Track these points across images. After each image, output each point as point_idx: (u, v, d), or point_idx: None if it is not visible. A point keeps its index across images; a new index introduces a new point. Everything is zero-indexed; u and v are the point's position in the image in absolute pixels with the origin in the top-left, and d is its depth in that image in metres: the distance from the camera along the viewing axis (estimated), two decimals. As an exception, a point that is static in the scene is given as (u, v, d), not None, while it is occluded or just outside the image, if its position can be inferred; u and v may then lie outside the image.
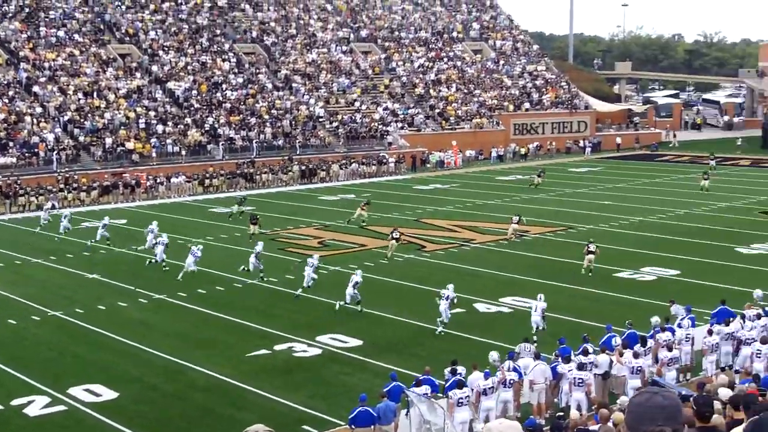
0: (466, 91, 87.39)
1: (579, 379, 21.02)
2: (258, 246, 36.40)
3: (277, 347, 26.80)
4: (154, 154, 65.54)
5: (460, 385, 19.90)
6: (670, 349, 22.78)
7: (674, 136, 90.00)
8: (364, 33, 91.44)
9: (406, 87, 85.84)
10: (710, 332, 23.93)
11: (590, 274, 35.34)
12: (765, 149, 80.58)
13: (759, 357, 22.81)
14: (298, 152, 70.56)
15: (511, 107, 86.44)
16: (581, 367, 21.24)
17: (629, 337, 23.51)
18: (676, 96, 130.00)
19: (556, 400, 21.86)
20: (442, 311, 28.28)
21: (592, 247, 36.11)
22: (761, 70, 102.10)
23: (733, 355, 24.10)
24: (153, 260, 38.57)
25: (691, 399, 17.22)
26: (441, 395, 20.48)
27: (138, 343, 27.39)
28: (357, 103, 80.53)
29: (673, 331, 23.99)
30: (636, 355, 22.09)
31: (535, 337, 26.24)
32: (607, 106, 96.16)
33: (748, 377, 20.42)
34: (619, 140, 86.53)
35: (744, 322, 24.56)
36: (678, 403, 3.15)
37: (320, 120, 76.61)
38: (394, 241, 39.51)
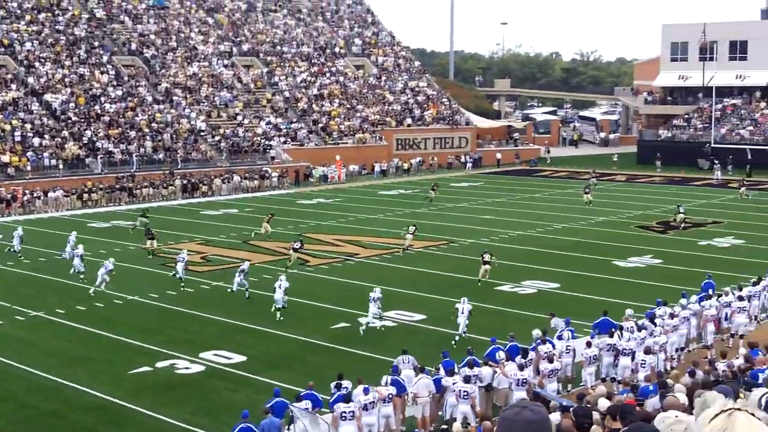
0: (348, 106, 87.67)
1: (464, 391, 21.15)
2: (244, 264, 35.65)
3: (159, 364, 26.32)
4: (30, 168, 63.90)
5: (347, 399, 19.83)
6: (551, 361, 23.13)
7: (548, 151, 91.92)
8: (245, 47, 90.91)
9: (288, 101, 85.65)
10: (589, 344, 24.38)
11: (479, 284, 35.98)
12: (640, 165, 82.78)
13: (643, 367, 23.41)
14: (179, 166, 69.66)
15: (394, 123, 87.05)
16: (467, 379, 21.38)
17: (511, 350, 23.80)
18: (554, 113, 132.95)
19: (440, 413, 21.95)
20: (371, 313, 29.72)
21: (486, 257, 36.92)
22: (636, 88, 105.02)
23: (614, 366, 24.61)
24: (80, 275, 37.69)
25: (571, 410, 17.56)
26: (326, 410, 20.40)
27: (14, 361, 26.58)
28: (239, 117, 80.00)
29: (553, 344, 24.36)
30: (521, 367, 22.38)
31: (457, 337, 27.89)
32: (487, 123, 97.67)
33: (627, 387, 20.88)
34: (499, 156, 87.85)
35: (622, 333, 25.10)
36: (546, 417, 3.15)
37: (202, 134, 75.83)
38: (293, 251, 40.35)
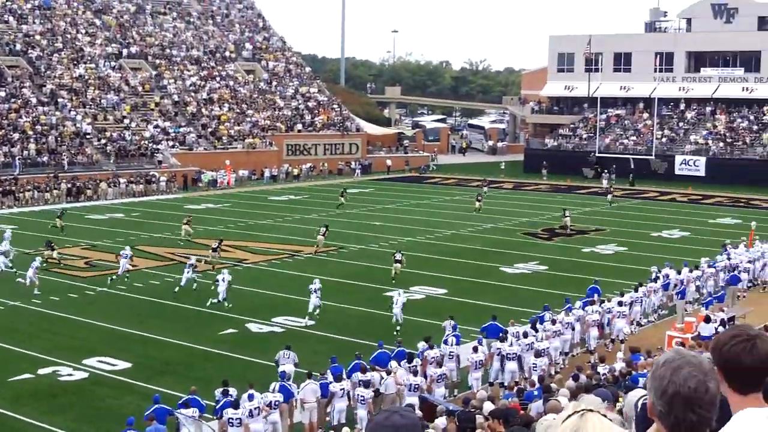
0: (238, 110, 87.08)
1: (361, 396, 21.24)
2: (226, 275, 34.81)
3: (42, 371, 25.73)
4: None
5: (235, 405, 19.72)
6: (439, 365, 23.36)
7: (432, 159, 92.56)
8: (134, 49, 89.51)
9: (177, 105, 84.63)
10: (475, 349, 24.68)
11: (393, 281, 36.98)
12: (526, 173, 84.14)
13: (535, 370, 23.93)
14: (64, 169, 68.21)
15: (284, 128, 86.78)
16: (367, 384, 21.50)
17: (398, 355, 23.96)
18: (443, 121, 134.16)
19: (328, 418, 21.96)
20: (311, 303, 31.40)
21: (398, 256, 38.52)
22: (523, 97, 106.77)
23: (501, 371, 24.97)
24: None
25: (455, 415, 17.77)
26: (209, 416, 20.28)
27: None
28: (126, 121, 78.72)
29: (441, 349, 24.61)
30: (416, 373, 22.58)
31: (399, 328, 29.64)
32: (377, 129, 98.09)
33: (512, 391, 21.21)
34: (389, 162, 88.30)
35: (506, 338, 25.48)
36: (416, 422, 3.20)
37: (88, 137, 74.40)
38: (212, 251, 40.86)
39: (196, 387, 21.55)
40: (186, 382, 23.89)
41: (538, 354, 24.58)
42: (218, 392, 21.00)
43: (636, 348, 24.45)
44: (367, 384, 21.51)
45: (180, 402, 20.50)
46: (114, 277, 38.03)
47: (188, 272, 36.06)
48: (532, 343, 25.28)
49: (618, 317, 29.07)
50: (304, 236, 49.00)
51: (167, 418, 19.75)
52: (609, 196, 65.02)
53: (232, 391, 20.93)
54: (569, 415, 2.85)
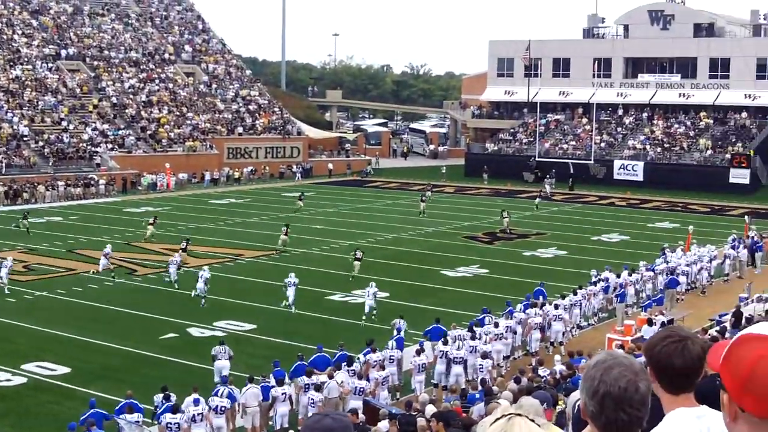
0: (178, 113, 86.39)
1: (312, 399, 21.20)
2: (206, 272, 35.41)
3: (-22, 377, 25.31)
4: None
5: (175, 409, 19.55)
6: (382, 369, 23.36)
7: (369, 163, 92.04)
8: (71, 51, 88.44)
9: (116, 107, 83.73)
10: (418, 352, 24.75)
11: (351, 279, 38.75)
12: (468, 177, 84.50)
13: (481, 371, 24.16)
14: (2, 172, 67.15)
15: (225, 131, 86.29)
16: (318, 388, 21.49)
17: (340, 359, 23.94)
18: (385, 125, 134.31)
19: (271, 422, 21.86)
20: (289, 295, 33.55)
21: (358, 254, 40.33)
22: (464, 102, 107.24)
23: (446, 374, 25.05)
24: None
25: (396, 418, 17.80)
26: (147, 420, 20.14)
27: None
28: (64, 123, 77.70)
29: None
30: (360, 377, 22.57)
31: (372, 317, 31.74)
32: (319, 133, 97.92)
33: (455, 394, 21.27)
34: (331, 166, 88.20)
35: (447, 341, 25.58)
36: (348, 425, 3.19)
37: (25, 139, 73.33)
38: (181, 251, 41.37)
39: (133, 392, 21.32)
40: (126, 387, 23.56)
41: (485, 356, 24.74)
42: (158, 397, 20.80)
43: (579, 351, 24.66)
44: (318, 388, 21.48)
45: (118, 407, 20.29)
46: (93, 272, 39.49)
47: (174, 269, 38.07)
48: (476, 346, 25.39)
49: (555, 320, 29.28)
50: (245, 240, 48.77)
51: (105, 423, 19.57)
52: (537, 200, 65.66)
53: (172, 395, 20.77)
54: (497, 419, 2.86)
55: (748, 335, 2.76)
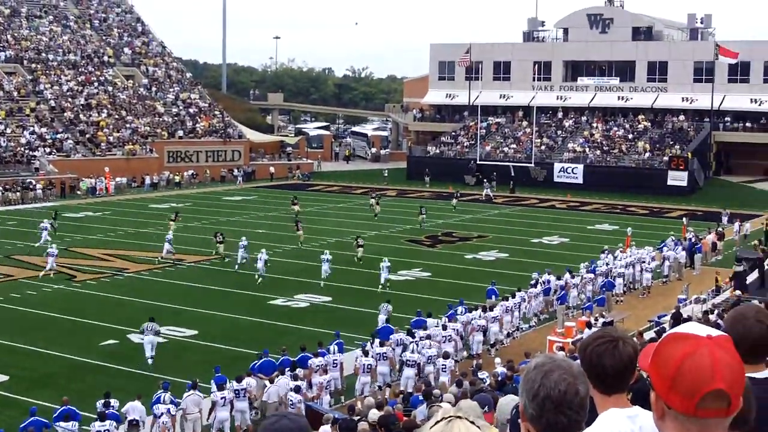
0: (117, 116, 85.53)
1: (290, 401, 21.24)
2: (263, 254, 40.27)
3: None
4: None
5: (101, 417, 19.52)
6: (325, 373, 23.35)
7: (297, 168, 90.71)
8: (8, 53, 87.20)
9: (54, 111, 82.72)
10: (366, 353, 24.86)
11: (361, 262, 43.11)
12: (410, 180, 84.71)
13: (444, 371, 24.56)
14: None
15: (165, 134, 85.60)
16: (297, 390, 21.61)
17: (283, 363, 23.91)
18: (326, 128, 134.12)
19: (213, 430, 21.76)
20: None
21: (360, 242, 44.64)
22: (405, 105, 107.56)
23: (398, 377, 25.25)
24: None
25: (337, 423, 17.81)
26: (86, 427, 19.99)
27: None
28: (1, 126, 76.57)
29: (324, 356, 24.63)
30: (296, 379, 22.58)
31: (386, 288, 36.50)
32: (260, 136, 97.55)
33: (396, 398, 21.31)
34: (272, 170, 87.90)
35: (375, 343, 25.78)
36: (305, 426, 3.21)
37: (-40, 143, 72.16)
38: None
39: (69, 398, 21.12)
40: (65, 394, 23.33)
41: (446, 356, 25.13)
42: (99, 404, 20.61)
43: (526, 353, 24.89)
44: (297, 390, 21.58)
45: (55, 415, 20.09)
46: (41, 275, 39.58)
47: (242, 251, 42.67)
48: (431, 346, 25.67)
49: (492, 322, 29.45)
50: (187, 245, 48.44)
51: (45, 431, 19.39)
52: (454, 201, 66.11)
53: (114, 402, 20.61)
54: (437, 422, 2.88)
55: (675, 334, 2.83)
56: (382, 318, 29.87)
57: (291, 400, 21.67)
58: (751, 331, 3.87)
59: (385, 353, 25.09)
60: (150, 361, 27.57)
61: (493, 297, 32.29)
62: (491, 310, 30.03)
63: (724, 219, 55.03)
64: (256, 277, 39.08)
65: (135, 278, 40.61)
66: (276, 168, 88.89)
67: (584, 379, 3.07)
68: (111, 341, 29.81)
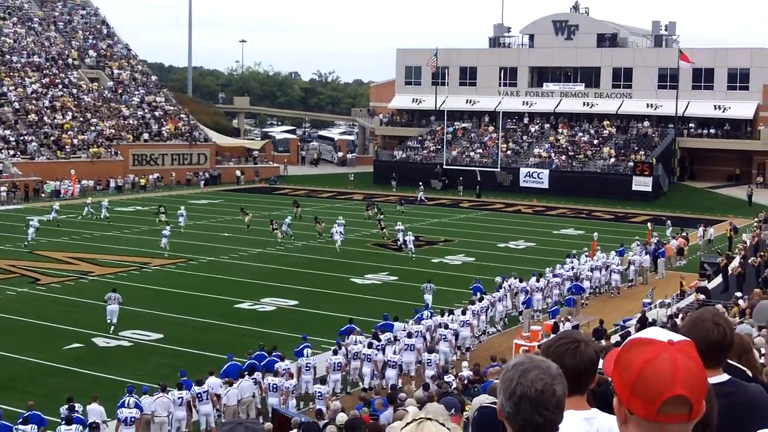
0: (82, 119, 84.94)
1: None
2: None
3: None
4: None
5: (68, 420, 19.43)
6: (291, 377, 23.35)
7: (256, 173, 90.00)
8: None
9: (18, 113, 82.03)
10: (335, 351, 25.16)
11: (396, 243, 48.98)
12: (376, 184, 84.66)
13: (429, 365, 25.37)
14: None
15: (130, 137, 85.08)
16: (275, 389, 21.83)
17: (250, 366, 23.92)
18: (293, 132, 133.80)
19: (171, 428, 21.73)
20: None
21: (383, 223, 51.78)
22: (372, 109, 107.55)
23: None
24: None
25: (301, 427, 17.83)
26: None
27: None
28: (-36, 129, 75.86)
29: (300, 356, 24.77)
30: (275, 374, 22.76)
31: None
32: (226, 140, 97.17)
33: (361, 402, 21.31)
34: (238, 173, 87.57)
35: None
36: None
37: None
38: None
39: (34, 402, 21.00)
40: (29, 398, 23.17)
41: (431, 350, 26.14)
42: (63, 409, 20.49)
43: (492, 356, 25.01)
44: (275, 389, 21.79)
45: (20, 419, 19.98)
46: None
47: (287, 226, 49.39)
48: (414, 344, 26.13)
49: (462, 326, 29.52)
50: (152, 248, 48.23)
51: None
52: (399, 207, 65.60)
53: (78, 406, 20.50)
54: (407, 423, 2.91)
55: (636, 340, 2.87)
56: (427, 297, 34.17)
57: (319, 391, 23.12)
58: (708, 334, 3.93)
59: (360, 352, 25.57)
60: (111, 328, 31.08)
61: (479, 294, 33.06)
62: (463, 313, 30.12)
63: (668, 231, 54.31)
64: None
65: (100, 281, 40.35)
66: (243, 171, 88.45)
67: (562, 380, 3.09)
68: (75, 345, 29.62)
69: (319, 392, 23.49)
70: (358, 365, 25.67)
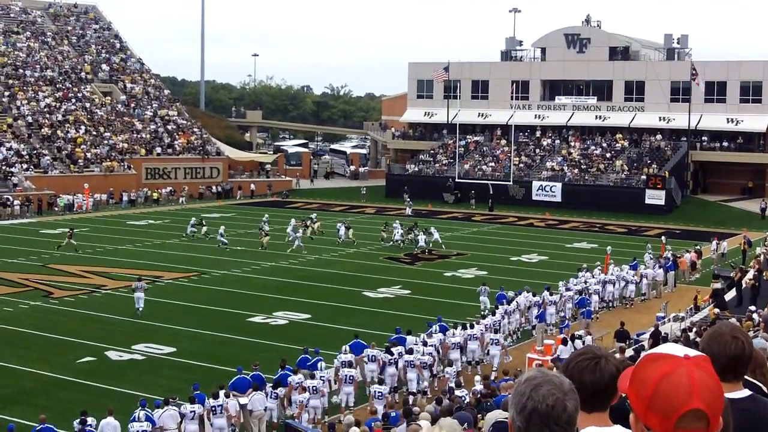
0: (95, 133, 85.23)
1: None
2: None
3: None
4: None
5: None
6: (305, 390, 23.30)
7: (270, 188, 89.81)
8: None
9: (31, 127, 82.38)
10: (351, 364, 25.22)
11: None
12: (389, 198, 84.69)
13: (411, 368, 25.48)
14: None
15: (143, 151, 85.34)
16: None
17: (255, 379, 23.95)
18: (305, 145, 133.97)
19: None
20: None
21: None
22: (384, 123, 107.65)
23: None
24: None
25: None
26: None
27: None
28: (-22, 143, 76.17)
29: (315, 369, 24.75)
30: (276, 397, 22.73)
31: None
32: (238, 153, 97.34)
33: (377, 416, 21.28)
34: (253, 186, 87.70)
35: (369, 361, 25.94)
36: None
37: (-63, 159, 71.69)
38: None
39: (47, 416, 21.03)
40: (41, 412, 23.22)
41: (450, 363, 26.57)
42: (76, 422, 20.51)
43: (505, 371, 24.94)
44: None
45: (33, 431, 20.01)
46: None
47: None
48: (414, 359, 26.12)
49: (471, 340, 29.43)
50: (164, 261, 48.30)
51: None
52: (314, 224, 61.52)
53: (91, 420, 20.50)
54: None
55: (652, 355, 2.86)
56: (484, 300, 35.75)
57: (379, 392, 23.74)
58: (726, 348, 3.91)
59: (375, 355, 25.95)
60: (140, 311, 35.41)
61: (504, 301, 33.62)
62: (471, 327, 30.03)
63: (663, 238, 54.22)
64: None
65: (113, 295, 40.41)
66: (256, 185, 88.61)
67: (574, 396, 3.06)
68: (88, 358, 29.64)
69: (379, 392, 24.23)
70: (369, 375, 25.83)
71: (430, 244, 54.22)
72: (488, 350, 30.05)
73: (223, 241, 54.05)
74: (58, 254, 50.41)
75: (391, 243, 55.91)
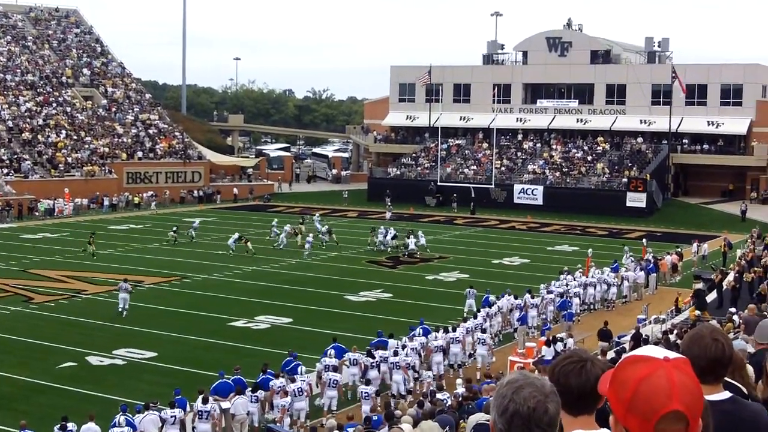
0: (76, 137, 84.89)
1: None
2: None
3: None
4: None
5: None
6: (287, 395, 23.25)
7: (253, 192, 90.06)
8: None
9: (12, 131, 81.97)
10: (336, 368, 25.14)
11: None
12: (370, 201, 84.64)
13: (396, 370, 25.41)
14: None
15: (124, 155, 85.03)
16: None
17: (237, 383, 23.91)
18: (287, 149, 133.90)
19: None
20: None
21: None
22: (366, 126, 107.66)
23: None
24: None
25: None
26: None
27: None
28: (-42, 147, 75.77)
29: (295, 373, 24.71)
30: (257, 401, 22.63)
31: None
32: (220, 158, 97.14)
33: (351, 421, 21.22)
34: (236, 191, 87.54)
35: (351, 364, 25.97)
36: None
37: None
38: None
39: (27, 421, 20.93)
40: (22, 417, 23.07)
41: (430, 367, 25.55)
42: (56, 428, 20.39)
43: (487, 373, 24.95)
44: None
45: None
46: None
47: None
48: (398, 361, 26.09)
49: (453, 343, 29.42)
50: (146, 266, 48.13)
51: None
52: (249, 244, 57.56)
53: (71, 425, 20.40)
54: None
55: (632, 357, 2.84)
56: (470, 303, 35.97)
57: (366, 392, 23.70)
58: (707, 350, 3.90)
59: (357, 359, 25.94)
60: (124, 314, 35.94)
61: (487, 305, 33.85)
62: (453, 330, 30.02)
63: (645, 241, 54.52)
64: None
65: (93, 300, 40.24)
66: (238, 189, 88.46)
67: (555, 398, 3.06)
68: (69, 363, 29.49)
69: (365, 393, 24.08)
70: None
71: (417, 250, 54.32)
72: (475, 349, 30.07)
73: (232, 248, 53.25)
74: (38, 259, 50.17)
75: (375, 248, 55.91)
